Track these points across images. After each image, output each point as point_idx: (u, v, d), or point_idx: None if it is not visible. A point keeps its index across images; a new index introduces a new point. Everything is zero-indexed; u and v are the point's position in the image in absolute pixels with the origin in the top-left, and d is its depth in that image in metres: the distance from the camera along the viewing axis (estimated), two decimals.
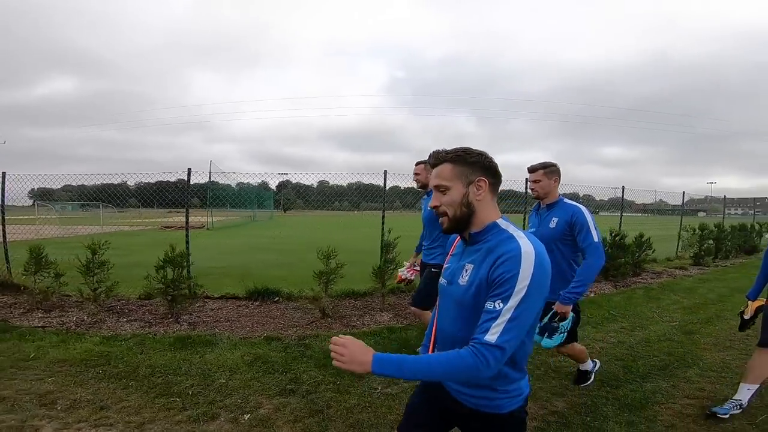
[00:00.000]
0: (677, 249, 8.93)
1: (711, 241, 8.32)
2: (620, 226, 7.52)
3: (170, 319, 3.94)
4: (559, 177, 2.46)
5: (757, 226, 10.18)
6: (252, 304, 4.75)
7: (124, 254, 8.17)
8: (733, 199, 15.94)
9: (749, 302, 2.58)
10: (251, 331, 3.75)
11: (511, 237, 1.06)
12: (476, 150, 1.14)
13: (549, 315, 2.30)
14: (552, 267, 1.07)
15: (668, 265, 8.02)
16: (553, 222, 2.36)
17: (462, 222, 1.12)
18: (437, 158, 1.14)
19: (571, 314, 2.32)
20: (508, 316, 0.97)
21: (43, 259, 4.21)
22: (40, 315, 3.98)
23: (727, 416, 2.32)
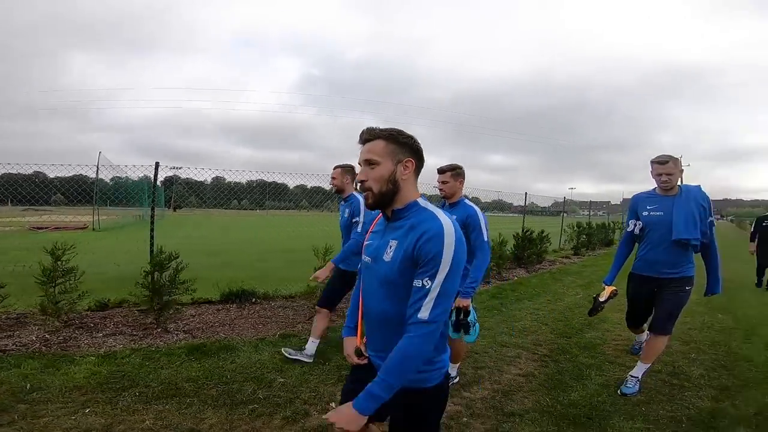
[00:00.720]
0: (560, 242, 11.41)
1: (584, 237, 10.98)
2: (523, 224, 9.33)
3: (158, 329, 3.64)
4: (464, 179, 2.66)
5: (611, 224, 13.78)
6: (231, 306, 4.61)
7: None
8: (587, 202, 20.67)
9: (605, 287, 2.92)
10: (258, 332, 3.75)
11: (433, 215, 1.12)
12: (407, 133, 1.19)
13: (454, 312, 2.34)
14: None
15: (556, 255, 10.26)
16: (452, 219, 2.76)
17: (386, 198, 1.15)
18: (371, 133, 1.17)
19: (472, 306, 2.41)
20: (436, 292, 1.04)
21: None
22: None
23: (636, 393, 2.65)
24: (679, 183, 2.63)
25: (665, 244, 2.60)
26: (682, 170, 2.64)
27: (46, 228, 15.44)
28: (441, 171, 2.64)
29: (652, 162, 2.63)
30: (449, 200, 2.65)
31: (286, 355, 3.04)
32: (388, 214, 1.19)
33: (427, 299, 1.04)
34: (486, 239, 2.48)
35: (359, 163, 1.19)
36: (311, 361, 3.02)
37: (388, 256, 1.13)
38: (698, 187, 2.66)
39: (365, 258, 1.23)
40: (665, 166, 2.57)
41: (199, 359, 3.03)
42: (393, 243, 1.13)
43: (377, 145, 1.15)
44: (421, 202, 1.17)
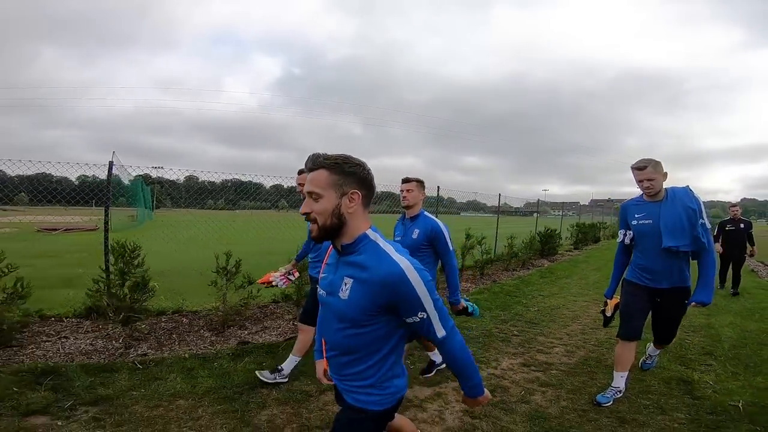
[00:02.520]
0: (562, 239, 13.95)
1: (580, 234, 13.72)
2: (536, 226, 11.65)
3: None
4: (425, 192, 2.79)
5: (599, 224, 17.10)
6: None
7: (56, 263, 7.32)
8: (557, 203, 23.75)
9: (607, 300, 2.83)
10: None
11: (386, 255, 1.11)
12: (355, 160, 1.14)
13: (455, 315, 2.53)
14: None
15: (561, 249, 12.52)
16: (415, 233, 2.60)
17: (331, 232, 1.13)
18: (315, 163, 1.13)
19: (464, 299, 2.67)
20: (435, 313, 1.13)
21: (234, 269, 3.95)
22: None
23: (611, 403, 2.53)
24: (665, 186, 2.52)
25: (658, 252, 2.49)
26: (665, 173, 2.49)
27: (57, 230, 15.60)
28: (406, 180, 2.73)
29: (632, 168, 2.53)
30: (409, 210, 2.72)
31: (263, 379, 2.72)
32: (338, 247, 1.18)
33: (434, 323, 1.13)
34: (451, 249, 2.61)
35: (303, 195, 1.18)
36: (286, 380, 2.76)
37: (344, 293, 1.13)
38: (685, 189, 2.54)
39: (320, 290, 1.25)
40: (644, 172, 2.45)
41: None
42: (348, 281, 1.13)
43: (320, 175, 1.11)
44: (371, 234, 1.16)
